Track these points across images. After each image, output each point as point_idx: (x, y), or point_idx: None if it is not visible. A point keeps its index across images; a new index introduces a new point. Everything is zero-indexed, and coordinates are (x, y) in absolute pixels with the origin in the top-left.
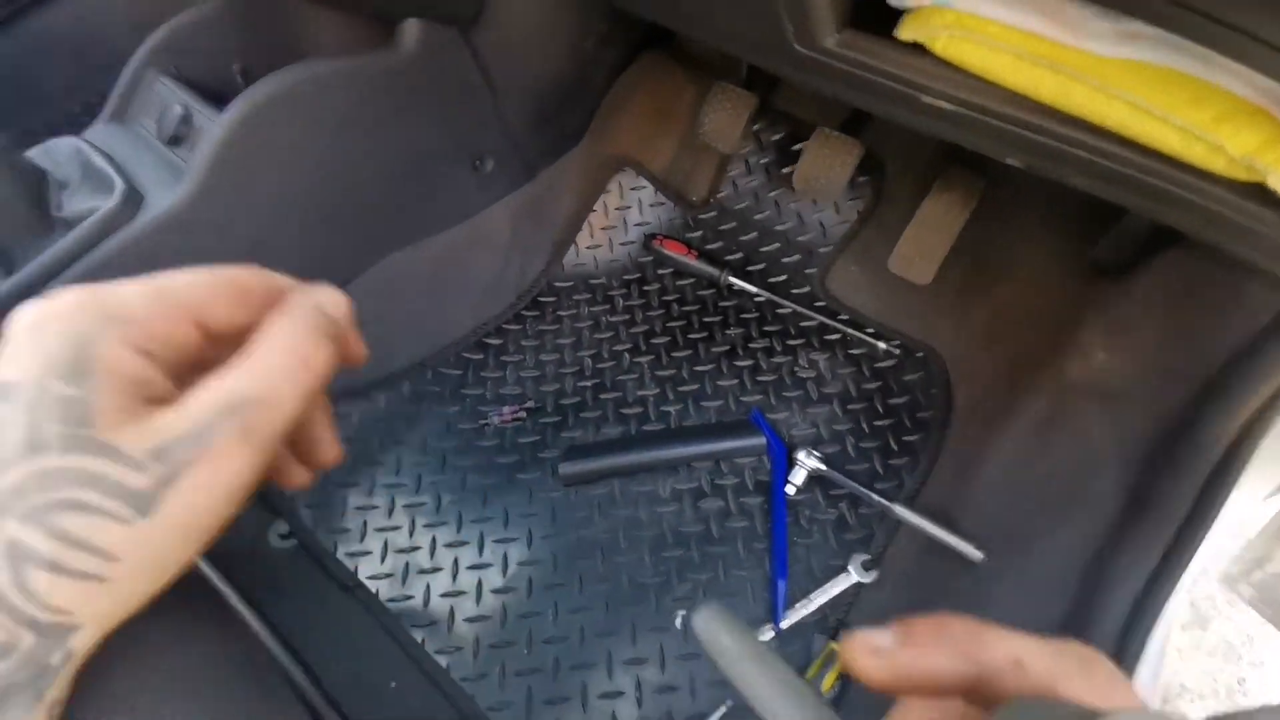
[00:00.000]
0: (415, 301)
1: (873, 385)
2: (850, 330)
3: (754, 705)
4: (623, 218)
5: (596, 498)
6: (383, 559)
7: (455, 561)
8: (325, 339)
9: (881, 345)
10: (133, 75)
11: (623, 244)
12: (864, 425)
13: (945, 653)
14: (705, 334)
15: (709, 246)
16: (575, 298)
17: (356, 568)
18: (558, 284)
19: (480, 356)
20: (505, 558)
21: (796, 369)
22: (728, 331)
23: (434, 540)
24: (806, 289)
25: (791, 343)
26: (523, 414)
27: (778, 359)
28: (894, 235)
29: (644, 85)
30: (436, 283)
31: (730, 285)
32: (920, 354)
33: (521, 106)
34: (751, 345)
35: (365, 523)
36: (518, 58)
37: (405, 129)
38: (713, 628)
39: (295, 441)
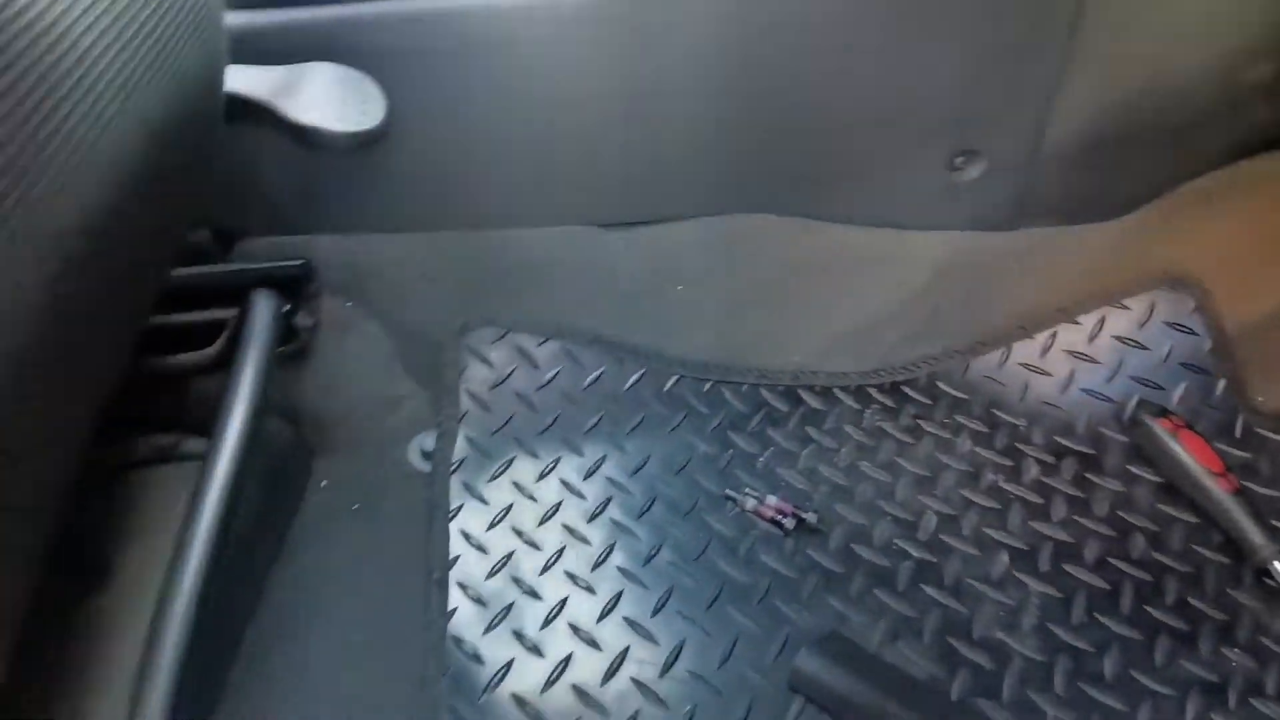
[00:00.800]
0: (754, 291)
1: None
2: None
3: None
4: (1119, 355)
5: None
6: (490, 574)
7: (564, 664)
8: None
9: None
10: None
11: (1088, 390)
12: None
13: None
14: (1184, 624)
15: (1255, 487)
16: (959, 419)
17: (457, 559)
18: (943, 386)
19: (785, 409)
20: None
21: None
22: (1229, 652)
23: (561, 606)
24: None
25: None
26: (790, 523)
27: None
28: None
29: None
30: (796, 285)
31: (1273, 574)
32: None
33: (1099, 105)
34: (1273, 702)
35: (508, 510)
36: (1162, 31)
37: (918, 41)
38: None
39: None
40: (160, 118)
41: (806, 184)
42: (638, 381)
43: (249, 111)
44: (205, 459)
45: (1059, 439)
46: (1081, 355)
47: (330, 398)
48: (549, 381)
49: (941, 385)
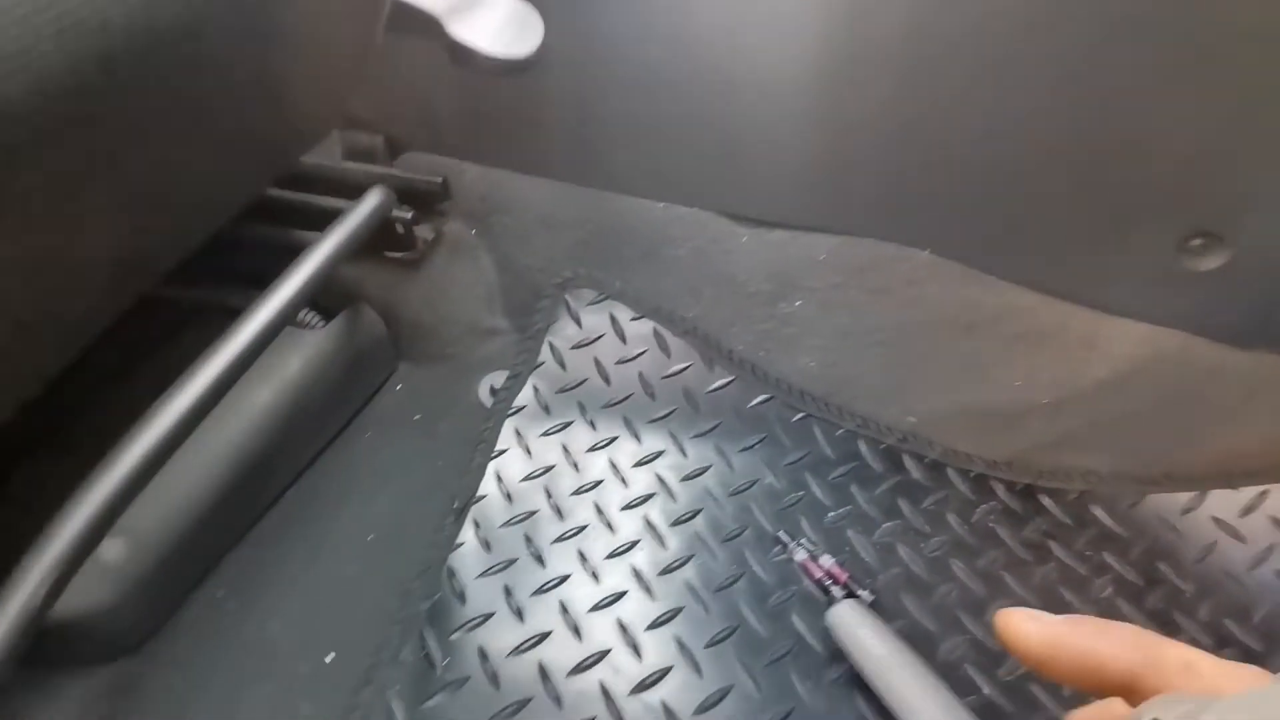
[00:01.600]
0: (882, 329)
1: None
2: None
3: (894, 707)
4: None
5: None
6: (507, 523)
7: (539, 639)
8: None
9: None
10: None
11: None
12: None
13: (1114, 641)
14: None
15: None
16: (1108, 558)
17: (483, 497)
18: (1098, 512)
19: (880, 469)
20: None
21: None
22: None
23: (561, 581)
24: None
25: None
26: (839, 593)
27: None
28: None
29: None
30: (935, 337)
31: None
32: None
33: None
34: None
35: (548, 470)
36: None
37: (1165, 83)
38: (851, 625)
39: None
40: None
41: (982, 227)
42: (722, 388)
43: (417, 22)
44: (242, 313)
45: (1228, 622)
46: None
47: (429, 311)
48: (632, 359)
49: (1096, 511)
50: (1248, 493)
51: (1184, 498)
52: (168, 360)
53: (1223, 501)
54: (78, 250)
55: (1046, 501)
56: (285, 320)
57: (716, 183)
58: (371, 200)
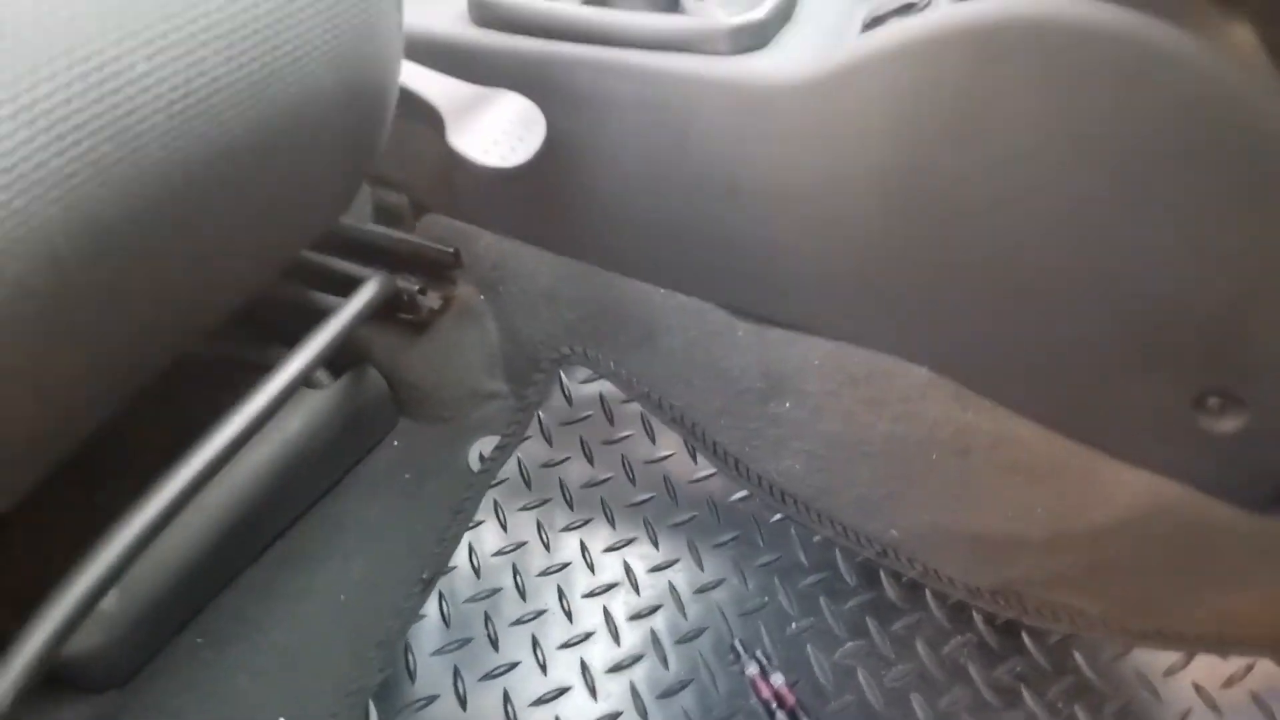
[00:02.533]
0: (872, 440)
1: None
2: None
3: None
4: None
5: None
6: (470, 599)
7: None
8: None
9: None
10: None
11: None
12: None
13: None
14: None
15: None
16: (1079, 713)
17: (453, 569)
18: (1080, 660)
19: (852, 584)
20: None
21: None
22: None
23: (509, 669)
24: None
25: None
26: (781, 719)
27: None
28: None
29: None
30: (927, 455)
31: None
32: None
33: None
34: None
35: (519, 546)
36: None
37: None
38: None
39: None
40: (328, 89)
41: (985, 351)
42: (702, 480)
43: (427, 115)
44: (264, 375)
45: None
46: (1271, 711)
47: (432, 373)
48: (617, 441)
49: (1079, 657)
50: (1236, 662)
51: (1170, 658)
52: (188, 408)
53: (1209, 668)
54: (127, 323)
55: (1027, 641)
56: (300, 382)
57: (717, 276)
58: (373, 286)
